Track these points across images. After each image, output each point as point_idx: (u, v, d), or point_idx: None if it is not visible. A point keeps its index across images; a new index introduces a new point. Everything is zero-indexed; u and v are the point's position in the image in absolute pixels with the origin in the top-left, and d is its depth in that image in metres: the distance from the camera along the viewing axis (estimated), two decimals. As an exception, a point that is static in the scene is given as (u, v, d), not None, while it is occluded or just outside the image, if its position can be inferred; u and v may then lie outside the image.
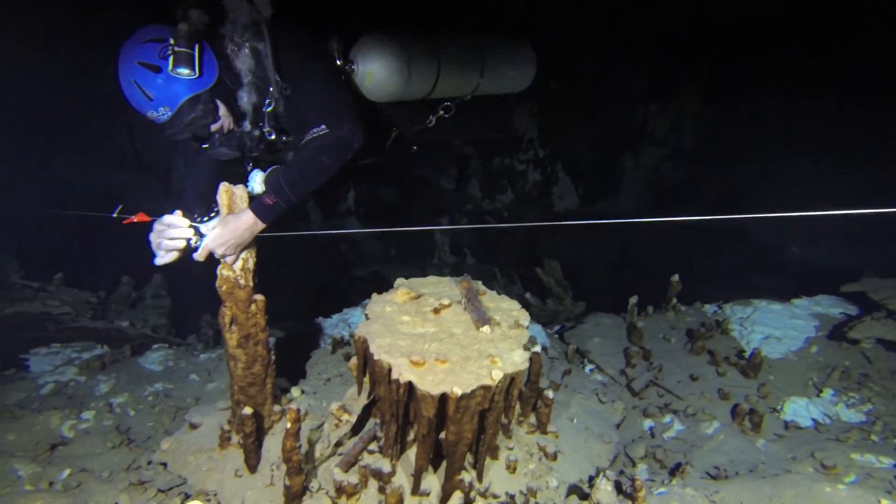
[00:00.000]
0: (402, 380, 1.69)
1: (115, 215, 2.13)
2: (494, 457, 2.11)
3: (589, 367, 3.21)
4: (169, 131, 1.89)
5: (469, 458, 2.05)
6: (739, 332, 3.52)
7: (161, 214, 1.98)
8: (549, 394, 2.23)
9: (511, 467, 2.09)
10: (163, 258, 1.96)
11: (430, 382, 1.68)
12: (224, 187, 1.84)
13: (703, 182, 6.39)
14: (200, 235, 1.92)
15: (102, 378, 3.41)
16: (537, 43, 6.14)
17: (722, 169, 6.27)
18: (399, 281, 2.19)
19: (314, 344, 3.53)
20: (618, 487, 2.02)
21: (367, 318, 1.96)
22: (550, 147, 7.17)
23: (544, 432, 2.29)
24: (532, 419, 2.30)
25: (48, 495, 2.04)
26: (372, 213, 7.24)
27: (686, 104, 6.45)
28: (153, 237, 2.00)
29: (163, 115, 1.84)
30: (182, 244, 1.93)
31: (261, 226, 1.93)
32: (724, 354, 3.17)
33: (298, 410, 1.79)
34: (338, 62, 2.35)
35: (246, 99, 2.00)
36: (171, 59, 1.77)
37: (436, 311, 1.99)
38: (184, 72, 1.78)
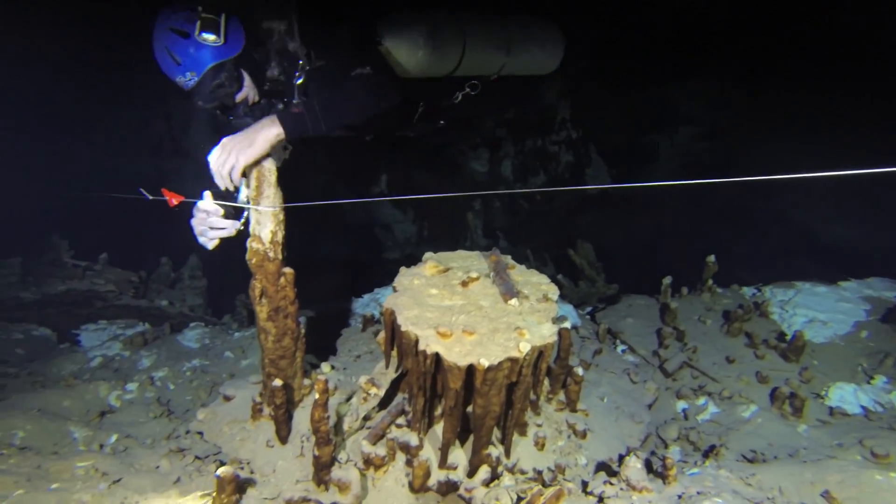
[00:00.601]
0: (429, 351, 1.68)
1: (151, 197, 2.20)
2: (523, 433, 2.09)
3: (621, 347, 3.15)
4: (196, 98, 1.93)
5: (497, 433, 2.04)
6: (780, 316, 3.38)
7: (197, 195, 2.05)
8: (579, 371, 2.19)
9: (539, 444, 2.07)
10: (209, 244, 2.05)
11: (457, 354, 1.67)
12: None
13: (738, 162, 6.16)
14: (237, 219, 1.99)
15: (144, 353, 3.55)
16: (568, 22, 6.00)
17: (757, 149, 6.03)
18: (427, 255, 2.18)
19: (345, 323, 3.57)
20: (648, 467, 1.98)
21: (395, 291, 1.96)
22: (583, 128, 7.03)
23: (574, 410, 2.25)
24: (561, 396, 2.27)
25: (99, 456, 2.14)
26: (405, 195, 7.25)
27: (720, 83, 6.21)
28: (196, 224, 2.09)
29: (189, 80, 1.89)
30: (225, 234, 2.03)
31: (277, 131, 1.90)
32: (762, 337, 3.05)
33: (326, 381, 1.81)
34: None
35: (276, 72, 2.02)
36: (198, 24, 1.82)
37: (464, 283, 1.98)
38: (209, 38, 1.83)
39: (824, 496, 1.83)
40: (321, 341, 3.21)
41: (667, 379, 2.90)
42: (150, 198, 2.20)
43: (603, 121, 6.98)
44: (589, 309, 3.86)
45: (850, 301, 3.35)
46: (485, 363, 1.62)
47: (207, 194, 2.05)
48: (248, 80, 2.01)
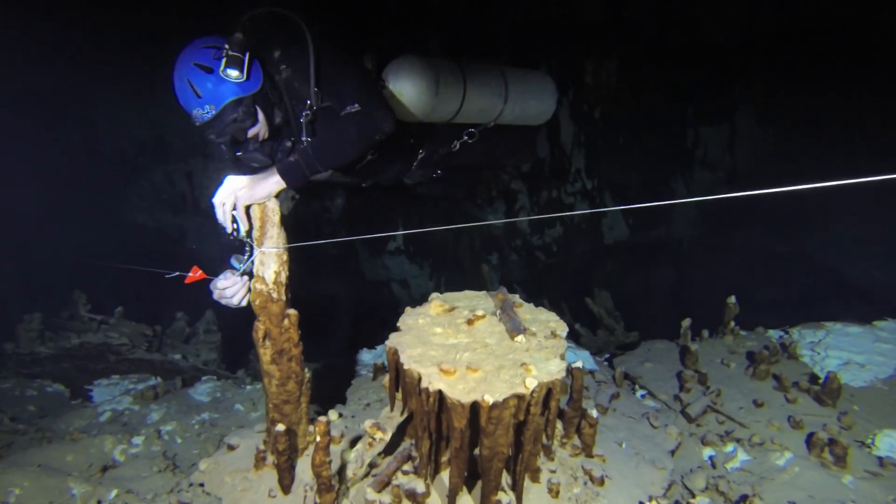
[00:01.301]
0: (432, 389, 1.62)
1: (176, 273, 2.28)
2: (535, 479, 1.97)
3: (640, 392, 3.01)
4: (209, 132, 2.01)
5: (507, 478, 1.93)
6: (811, 358, 3.22)
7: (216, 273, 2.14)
8: (594, 413, 2.09)
9: (553, 491, 1.94)
10: (233, 305, 2.16)
11: (461, 391, 1.61)
12: (257, 204, 1.90)
13: (761, 205, 6.09)
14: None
15: (154, 407, 3.52)
16: (581, 71, 6.15)
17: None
18: (434, 294, 2.15)
19: (356, 374, 3.51)
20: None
21: (399, 330, 1.93)
22: (598, 177, 7.08)
23: (590, 455, 2.13)
24: (576, 441, 2.15)
25: (94, 509, 2.08)
26: (422, 250, 7.30)
27: (739, 124, 6.25)
28: (216, 297, 2.19)
29: (207, 112, 1.97)
30: (242, 297, 2.14)
31: (278, 183, 1.99)
32: (793, 380, 2.90)
33: (328, 423, 1.75)
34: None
35: (286, 110, 2.11)
36: (223, 61, 1.94)
37: (469, 322, 1.93)
38: (233, 74, 1.93)
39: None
40: (332, 392, 3.15)
41: (690, 424, 2.74)
42: (175, 274, 2.26)
43: (617, 169, 7.02)
44: (607, 356, 3.74)
45: (889, 342, 3.19)
46: (489, 399, 1.55)
47: (224, 276, 2.11)
48: (261, 117, 2.09)
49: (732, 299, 3.46)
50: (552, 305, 5.95)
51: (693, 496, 2.26)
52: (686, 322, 3.29)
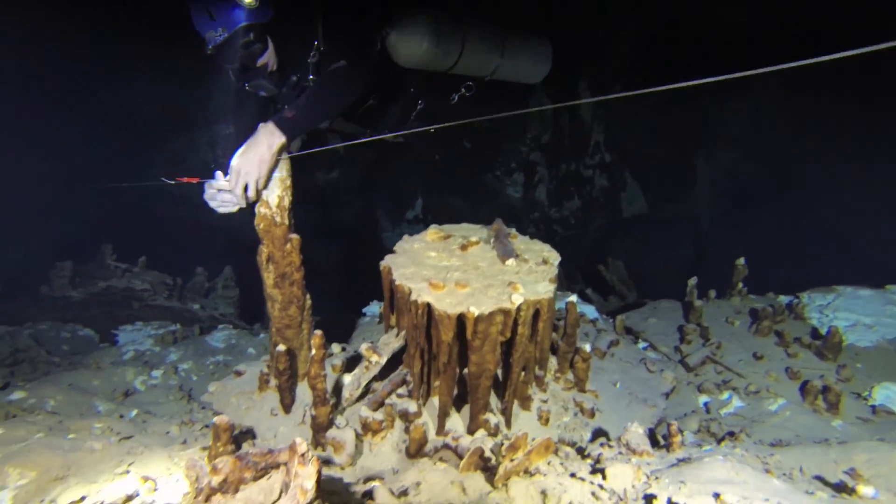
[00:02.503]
0: (421, 301, 1.69)
1: (173, 181, 2.36)
2: (526, 407, 2.03)
3: (642, 345, 3.03)
4: (220, 56, 2.08)
5: (498, 403, 1.99)
6: (819, 320, 3.19)
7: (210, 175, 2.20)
8: (587, 347, 2.13)
9: (543, 418, 2.00)
10: (220, 210, 2.15)
11: (448, 304, 1.67)
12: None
13: (783, 183, 5.97)
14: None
15: (173, 350, 3.69)
16: (601, 42, 6.06)
17: (803, 169, 5.84)
18: (432, 226, 2.21)
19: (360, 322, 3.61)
20: (653, 440, 1.88)
21: (395, 253, 2.00)
22: (617, 151, 7.02)
23: (582, 390, 2.18)
24: (569, 376, 2.20)
25: (116, 421, 2.23)
26: (440, 220, 7.34)
27: (762, 101, 6.10)
28: (208, 198, 2.20)
29: (219, 35, 2.05)
30: (234, 208, 2.12)
31: (279, 138, 2.00)
32: (795, 336, 2.89)
33: (323, 335, 1.84)
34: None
35: (296, 49, 2.19)
36: None
37: (463, 247, 1.99)
38: (246, 0, 1.97)
39: (849, 473, 1.68)
40: (340, 339, 3.25)
41: (689, 374, 2.76)
42: (172, 181, 2.35)
43: (638, 143, 6.94)
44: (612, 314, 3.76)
45: (900, 305, 3.14)
46: (475, 311, 1.61)
47: (219, 174, 2.17)
48: (270, 48, 2.17)
49: (741, 261, 3.44)
50: (567, 274, 5.97)
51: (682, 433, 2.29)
52: (692, 280, 3.29)
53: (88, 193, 5.53)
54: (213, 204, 2.17)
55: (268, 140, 1.99)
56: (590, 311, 3.14)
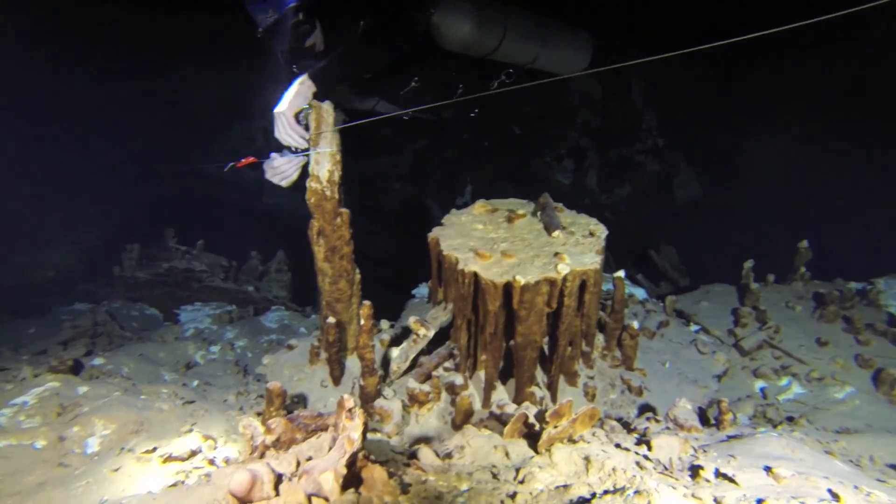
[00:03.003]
0: (468, 270, 1.70)
1: (234, 164, 2.48)
2: (572, 383, 2.02)
3: (694, 327, 2.94)
4: (272, 39, 2.16)
5: (544, 378, 1.99)
6: (897, 310, 2.99)
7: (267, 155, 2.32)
8: (635, 324, 2.09)
9: (590, 394, 1.98)
10: (284, 183, 2.31)
11: (495, 273, 1.68)
12: (314, 104, 2.03)
13: (847, 166, 5.60)
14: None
15: (229, 328, 3.87)
16: (652, 22, 5.85)
17: (870, 152, 5.45)
18: (480, 200, 2.22)
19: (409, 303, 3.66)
20: (702, 418, 1.83)
21: (443, 225, 2.01)
22: (670, 135, 6.79)
23: (630, 367, 2.14)
24: (617, 353, 2.17)
25: (180, 388, 2.37)
26: (491, 204, 7.33)
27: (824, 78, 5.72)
28: (269, 176, 2.35)
29: (270, 17, 2.13)
30: (294, 175, 2.27)
31: (310, 85, 2.11)
32: (866, 322, 2.72)
33: (371, 306, 1.88)
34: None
35: (342, 29, 2.24)
36: None
37: (509, 220, 1.99)
38: None
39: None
40: (389, 317, 3.32)
41: (743, 358, 2.66)
42: (235, 164, 2.46)
43: (691, 127, 6.67)
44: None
45: None
46: (521, 280, 1.61)
47: (275, 154, 2.28)
48: (318, 29, 2.23)
49: (804, 244, 3.28)
50: (616, 260, 5.85)
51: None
52: (748, 263, 3.15)
53: (155, 179, 5.85)
54: (274, 179, 2.29)
55: (299, 87, 2.11)
56: (639, 292, 3.07)
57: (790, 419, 2.11)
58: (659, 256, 4.83)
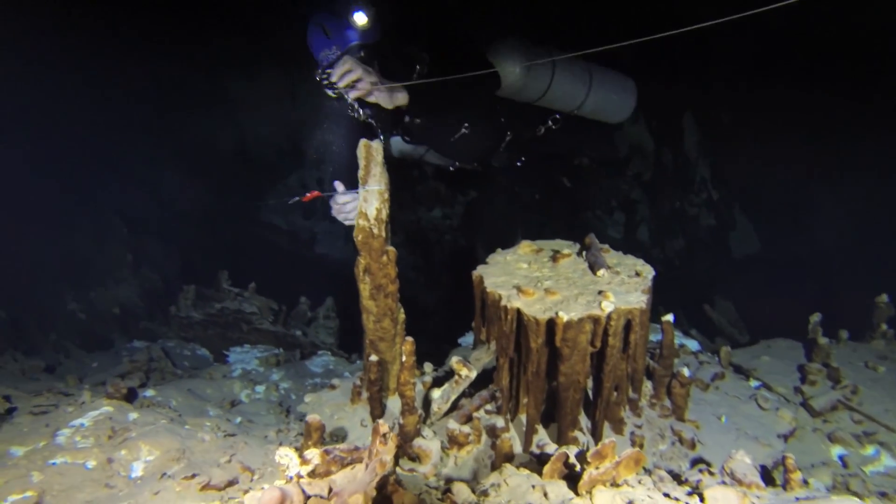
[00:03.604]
0: (510, 306, 1.69)
1: (295, 199, 2.60)
2: (618, 430, 1.92)
3: (754, 383, 2.74)
4: (331, 77, 2.31)
5: (588, 423, 1.90)
6: None
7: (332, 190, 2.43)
8: (686, 371, 1.98)
9: (637, 444, 1.87)
10: (348, 223, 2.41)
11: (538, 310, 1.65)
12: (363, 142, 2.12)
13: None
14: None
15: (276, 370, 3.95)
16: (703, 68, 5.83)
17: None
18: (525, 241, 2.22)
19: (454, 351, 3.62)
20: (766, 479, 1.68)
21: (487, 264, 2.02)
22: (726, 187, 6.62)
23: (681, 418, 2.02)
24: (666, 402, 2.05)
25: (223, 422, 2.41)
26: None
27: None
28: (336, 214, 2.47)
29: (333, 53, 2.28)
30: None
31: (405, 99, 2.24)
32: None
33: (413, 342, 1.88)
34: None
35: (400, 71, 2.38)
36: (353, 13, 2.30)
37: (554, 259, 1.97)
38: (360, 21, 2.27)
39: None
40: (434, 361, 3.30)
41: (814, 419, 2.45)
42: (299, 199, 2.57)
43: (749, 177, 6.47)
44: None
45: None
46: (564, 316, 1.58)
47: (339, 184, 2.38)
48: (377, 68, 2.37)
49: (884, 298, 3.07)
50: (667, 309, 5.60)
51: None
52: (815, 316, 2.96)
53: (217, 224, 6.18)
54: (340, 217, 2.38)
55: (389, 88, 2.25)
56: (692, 344, 2.93)
57: (883, 494, 1.90)
58: (714, 312, 4.61)
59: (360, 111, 2.41)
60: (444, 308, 6.87)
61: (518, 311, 1.69)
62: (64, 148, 5.15)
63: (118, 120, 5.67)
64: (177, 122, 6.11)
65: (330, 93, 2.29)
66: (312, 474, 1.48)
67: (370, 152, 2.10)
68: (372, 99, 2.28)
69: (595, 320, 1.61)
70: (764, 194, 6.28)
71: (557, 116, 3.09)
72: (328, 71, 2.24)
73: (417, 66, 2.41)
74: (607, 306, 1.60)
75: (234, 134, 6.47)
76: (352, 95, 2.27)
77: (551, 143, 3.20)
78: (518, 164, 3.31)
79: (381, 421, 1.17)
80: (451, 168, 3.18)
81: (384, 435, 1.14)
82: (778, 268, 6.28)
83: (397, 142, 2.93)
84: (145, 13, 5.03)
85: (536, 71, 2.75)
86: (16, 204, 4.53)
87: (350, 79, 2.21)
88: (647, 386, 2.10)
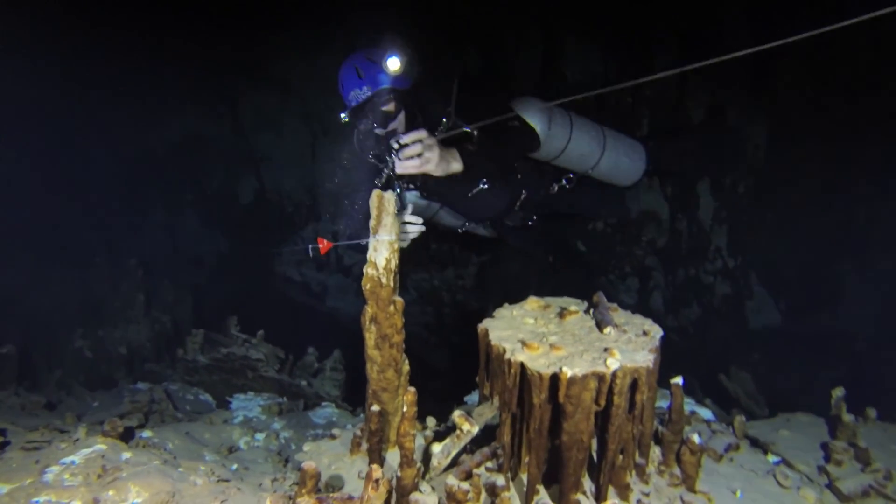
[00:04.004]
0: (514, 360, 1.66)
1: (311, 248, 2.65)
2: (624, 497, 1.83)
3: (773, 458, 2.62)
4: (360, 115, 2.40)
5: (592, 487, 1.82)
6: None
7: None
8: (696, 438, 1.91)
9: (645, 513, 1.78)
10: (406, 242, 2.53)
11: (542, 365, 1.63)
12: (376, 193, 2.17)
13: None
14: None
15: (277, 419, 3.89)
16: (719, 139, 5.92)
17: None
18: (532, 296, 2.22)
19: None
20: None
21: (493, 318, 2.01)
22: (742, 256, 6.56)
23: (692, 489, 1.92)
24: (675, 470, 1.96)
25: (219, 468, 2.35)
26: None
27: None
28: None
29: (364, 93, 2.39)
30: (416, 230, 2.52)
31: (457, 164, 2.33)
32: None
33: (416, 393, 1.85)
34: None
35: (426, 121, 2.48)
36: (387, 58, 2.40)
37: (561, 316, 1.96)
38: (393, 66, 2.38)
39: None
40: (439, 419, 3.22)
41: (841, 503, 2.31)
42: (315, 246, 2.61)
43: (768, 248, 6.40)
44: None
45: None
46: (568, 372, 1.55)
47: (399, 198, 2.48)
48: (402, 116, 2.47)
49: (917, 374, 2.95)
50: (685, 388, 5.43)
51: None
52: (838, 391, 2.84)
53: (232, 273, 6.26)
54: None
55: (452, 153, 2.33)
56: (705, 412, 2.83)
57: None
58: (731, 382, 4.47)
59: (389, 169, 2.50)
60: (452, 368, 6.77)
61: (522, 366, 1.66)
62: (89, 188, 5.35)
63: (145, 165, 5.91)
64: (201, 170, 6.34)
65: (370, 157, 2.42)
66: (303, 524, 1.43)
67: (382, 203, 2.15)
68: (423, 169, 2.37)
69: (600, 377, 1.58)
70: (784, 266, 6.19)
71: (571, 176, 3.15)
72: (399, 142, 2.35)
73: (444, 120, 2.53)
74: (612, 364, 1.57)
75: (254, 184, 6.68)
76: (410, 169, 2.36)
77: (564, 202, 3.25)
78: (529, 223, 3.36)
79: (374, 466, 1.14)
80: (459, 230, 3.23)
81: (376, 480, 1.11)
82: (799, 341, 6.09)
83: (413, 196, 2.98)
84: (180, 65, 5.34)
85: (556, 129, 2.84)
86: (37, 240, 4.67)
87: (417, 150, 2.32)
88: (656, 452, 2.02)
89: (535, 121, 2.73)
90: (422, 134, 2.32)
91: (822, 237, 5.83)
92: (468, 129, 2.49)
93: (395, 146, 2.33)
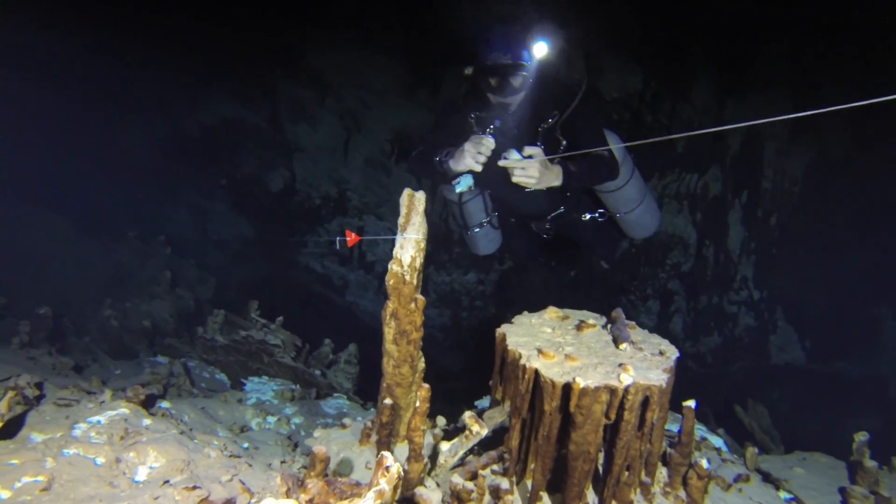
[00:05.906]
0: (529, 366, 1.69)
1: (337, 240, 2.71)
2: (627, 514, 1.83)
3: (785, 495, 2.57)
4: (489, 74, 2.62)
5: (595, 499, 1.83)
6: None
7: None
8: (704, 463, 1.90)
9: (646, 532, 1.78)
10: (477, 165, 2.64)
11: (556, 373, 1.65)
12: (406, 191, 2.22)
13: None
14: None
15: (289, 405, 3.96)
16: (759, 175, 5.84)
17: None
18: (552, 307, 2.24)
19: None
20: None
21: (512, 324, 2.04)
22: (769, 289, 6.45)
23: (697, 513, 1.91)
24: (681, 493, 1.96)
25: (231, 444, 2.42)
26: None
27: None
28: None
29: (505, 58, 2.59)
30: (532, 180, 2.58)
31: (557, 182, 2.54)
32: None
33: (429, 389, 1.88)
34: None
35: (535, 111, 2.73)
36: (538, 41, 2.62)
37: (579, 328, 1.97)
38: (539, 52, 2.61)
39: None
40: (449, 420, 3.25)
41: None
42: (342, 238, 2.68)
43: (796, 284, 6.28)
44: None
45: None
46: (580, 382, 1.57)
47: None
48: (521, 96, 2.73)
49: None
50: (698, 412, 5.36)
51: None
52: (861, 435, 2.76)
53: (257, 259, 6.39)
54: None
55: (556, 170, 2.53)
56: (716, 440, 2.79)
57: None
58: (746, 414, 4.39)
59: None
60: (466, 372, 6.79)
61: (536, 372, 1.69)
62: (126, 166, 5.53)
63: (179, 147, 6.07)
64: (234, 156, 6.49)
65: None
66: (310, 503, 1.48)
67: (412, 202, 2.20)
68: (528, 183, 2.54)
69: (612, 391, 1.59)
70: (812, 304, 6.05)
71: (602, 211, 3.20)
72: (522, 155, 2.52)
73: (550, 120, 2.64)
74: (626, 379, 1.59)
75: (284, 174, 6.81)
76: (521, 181, 2.55)
77: (584, 230, 3.31)
78: (545, 236, 3.40)
79: (385, 453, 1.18)
80: (484, 220, 3.29)
81: (387, 467, 1.15)
82: (825, 382, 5.93)
83: (467, 182, 3.04)
84: (221, 51, 5.49)
85: (624, 169, 2.92)
86: (74, 212, 4.85)
87: (533, 172, 2.50)
88: (662, 473, 2.02)
89: (619, 156, 2.82)
90: (537, 152, 2.50)
91: (857, 278, 5.69)
92: (567, 154, 2.67)
93: (516, 157, 2.52)
